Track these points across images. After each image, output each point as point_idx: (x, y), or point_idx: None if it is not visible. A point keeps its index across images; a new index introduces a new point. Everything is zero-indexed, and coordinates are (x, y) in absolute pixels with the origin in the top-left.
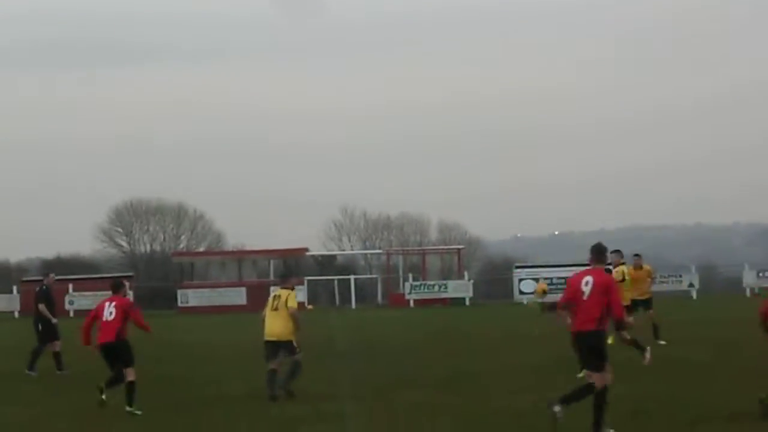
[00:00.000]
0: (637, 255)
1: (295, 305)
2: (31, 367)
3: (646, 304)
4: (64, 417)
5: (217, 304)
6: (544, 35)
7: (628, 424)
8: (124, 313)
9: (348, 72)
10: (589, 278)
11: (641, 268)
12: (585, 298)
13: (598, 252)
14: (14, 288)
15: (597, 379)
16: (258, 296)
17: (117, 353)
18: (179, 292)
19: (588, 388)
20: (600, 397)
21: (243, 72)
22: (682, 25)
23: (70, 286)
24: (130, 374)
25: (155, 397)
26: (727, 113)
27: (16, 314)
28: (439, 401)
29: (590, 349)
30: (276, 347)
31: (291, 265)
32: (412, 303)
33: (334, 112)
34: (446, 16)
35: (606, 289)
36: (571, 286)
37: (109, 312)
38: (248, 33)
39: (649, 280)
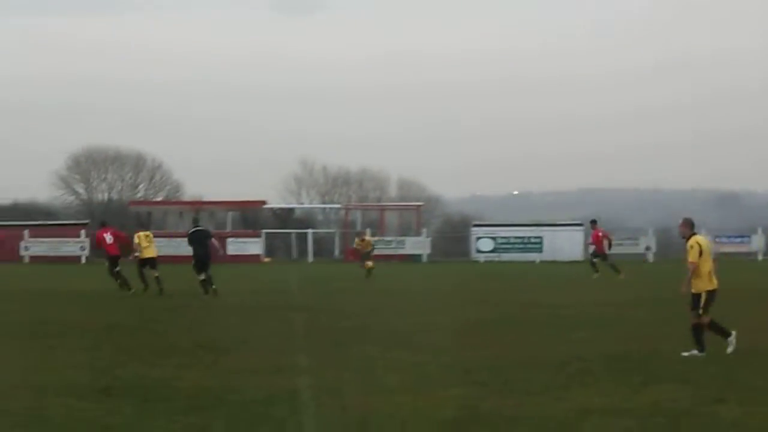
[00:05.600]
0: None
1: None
2: None
3: None
4: (22, 362)
5: (174, 254)
6: None
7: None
8: None
9: (317, 18)
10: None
11: None
12: None
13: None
14: None
15: None
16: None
17: None
18: (135, 240)
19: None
20: None
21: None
22: None
23: (26, 232)
24: None
25: (107, 347)
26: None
27: None
28: (392, 356)
29: None
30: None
31: (249, 217)
32: None
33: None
34: None
35: None
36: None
37: None
38: None
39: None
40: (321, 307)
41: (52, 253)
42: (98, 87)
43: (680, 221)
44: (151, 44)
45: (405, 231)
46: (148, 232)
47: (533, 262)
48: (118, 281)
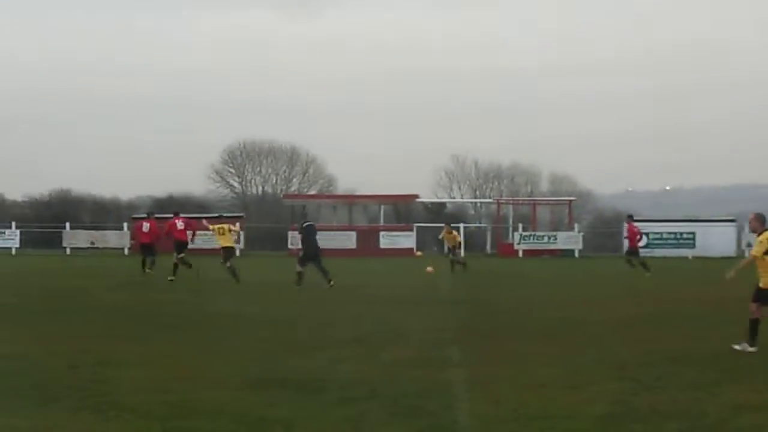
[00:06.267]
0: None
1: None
2: None
3: None
4: (177, 354)
5: (326, 247)
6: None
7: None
8: None
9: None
10: None
11: None
12: None
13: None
14: (125, 225)
15: None
16: (368, 241)
17: None
18: (289, 234)
19: None
20: None
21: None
22: None
23: None
24: None
25: (262, 339)
26: None
27: (126, 251)
28: (542, 351)
29: None
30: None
31: (401, 210)
32: (521, 253)
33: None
34: None
35: None
36: None
37: None
38: None
39: None
40: (473, 301)
41: (206, 246)
42: (256, 80)
43: (751, 216)
44: (316, 38)
45: (557, 226)
46: (223, 225)
47: (686, 257)
48: (175, 266)
